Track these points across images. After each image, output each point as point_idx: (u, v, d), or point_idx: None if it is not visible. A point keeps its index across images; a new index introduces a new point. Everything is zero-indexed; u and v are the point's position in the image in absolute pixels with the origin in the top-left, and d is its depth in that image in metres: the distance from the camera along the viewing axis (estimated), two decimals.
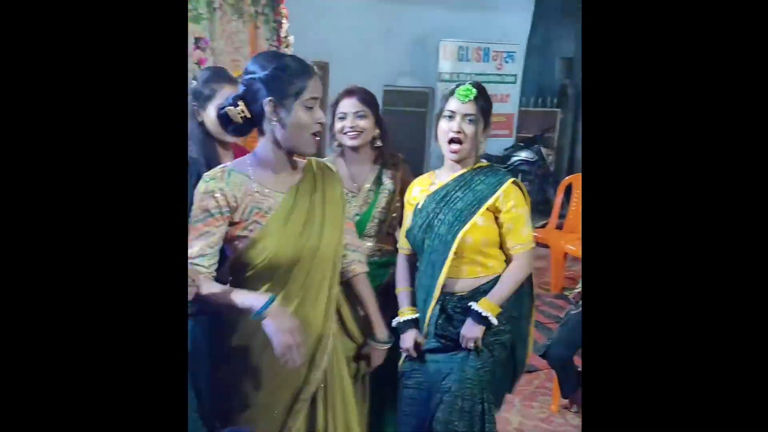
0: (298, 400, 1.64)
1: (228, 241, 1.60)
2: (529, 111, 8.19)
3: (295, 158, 1.66)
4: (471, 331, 2.01)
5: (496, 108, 2.40)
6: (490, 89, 2.16)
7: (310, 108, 1.55)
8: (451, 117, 2.01)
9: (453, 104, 2.02)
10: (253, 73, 1.55)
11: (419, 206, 2.11)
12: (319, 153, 1.93)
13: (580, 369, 3.19)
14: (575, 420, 3.22)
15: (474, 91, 2.00)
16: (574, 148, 8.49)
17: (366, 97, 2.22)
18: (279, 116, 1.54)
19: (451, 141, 2.02)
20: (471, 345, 2.02)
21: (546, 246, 4.95)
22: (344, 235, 1.74)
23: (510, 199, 2.02)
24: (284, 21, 4.01)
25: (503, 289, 2.05)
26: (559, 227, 5.16)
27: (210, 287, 1.53)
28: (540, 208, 6.64)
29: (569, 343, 3.00)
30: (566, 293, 4.24)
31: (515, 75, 8.02)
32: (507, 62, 8.00)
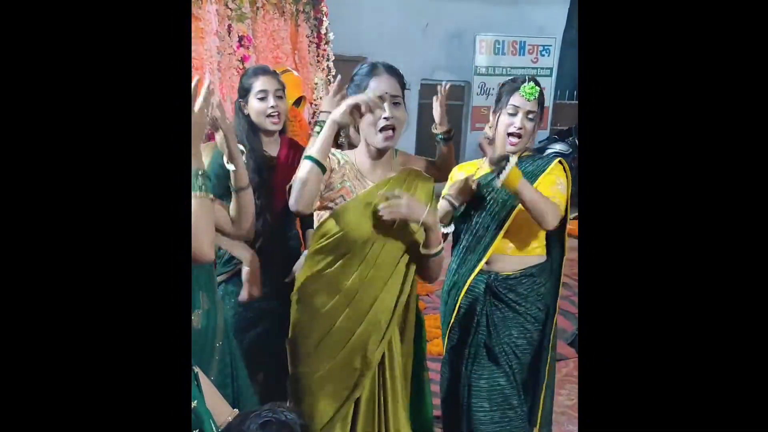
0: (357, 386, 1.74)
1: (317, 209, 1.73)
2: (563, 104, 8.11)
3: (390, 157, 1.75)
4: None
5: None
6: None
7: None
8: (513, 113, 2.04)
9: (517, 100, 2.04)
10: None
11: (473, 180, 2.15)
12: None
13: None
14: None
15: (538, 89, 2.05)
16: None
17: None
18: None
19: (511, 135, 2.06)
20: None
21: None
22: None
23: (552, 172, 2.07)
24: (324, 18, 4.05)
25: (533, 191, 1.97)
26: None
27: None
28: (574, 200, 6.57)
29: None
30: None
31: (550, 68, 7.96)
32: (542, 56, 7.93)
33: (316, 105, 3.88)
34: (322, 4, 4.05)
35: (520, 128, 2.03)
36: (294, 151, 2.13)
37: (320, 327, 1.72)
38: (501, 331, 2.11)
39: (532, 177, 2.05)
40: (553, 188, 2.04)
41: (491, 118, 2.12)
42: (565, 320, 3.84)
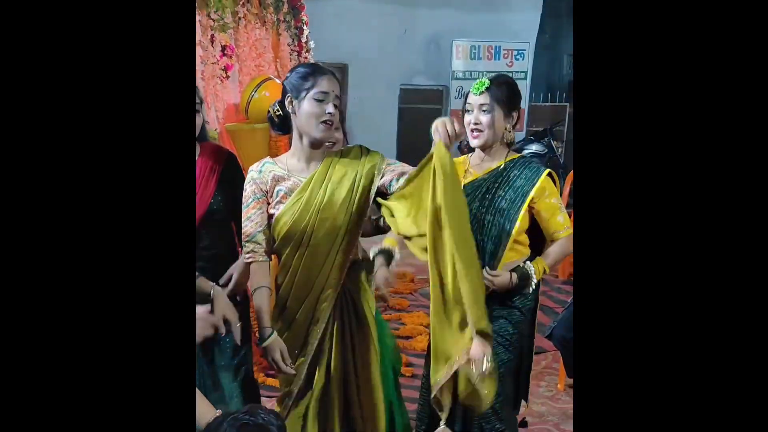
0: (307, 344, 1.87)
1: None
2: (539, 106, 8.17)
3: (323, 149, 1.86)
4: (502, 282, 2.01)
5: None
6: None
7: (320, 101, 1.76)
8: (470, 110, 2.08)
9: (470, 98, 2.09)
10: (286, 79, 1.85)
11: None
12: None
13: None
14: None
15: (486, 82, 2.06)
16: None
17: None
18: (294, 109, 1.80)
19: (472, 131, 2.08)
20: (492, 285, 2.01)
21: None
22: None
23: (545, 190, 2.09)
24: (305, 27, 4.07)
25: (553, 258, 2.11)
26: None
27: (256, 276, 1.84)
28: None
29: (571, 325, 3.04)
30: (573, 279, 4.26)
31: (525, 71, 8.01)
32: (517, 59, 7.98)
33: None
34: (303, 13, 4.06)
35: (476, 123, 2.05)
36: (212, 159, 2.05)
37: (280, 301, 1.88)
38: (495, 325, 2.12)
39: (523, 193, 2.06)
40: (560, 216, 2.10)
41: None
42: (543, 315, 3.88)
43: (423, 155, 1.90)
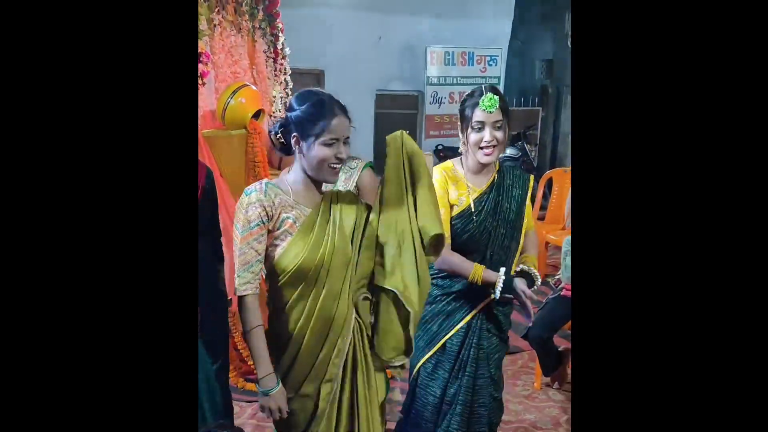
0: (324, 380, 1.73)
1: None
2: (512, 110, 8.24)
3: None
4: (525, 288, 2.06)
5: None
6: None
7: (330, 145, 1.63)
8: (481, 128, 2.01)
9: (481, 116, 2.01)
10: (292, 110, 1.67)
11: (472, 211, 2.08)
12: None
13: (560, 349, 3.26)
14: (557, 396, 3.29)
15: (496, 99, 2.01)
16: (555, 144, 8.58)
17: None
18: (301, 150, 1.65)
19: (483, 148, 2.03)
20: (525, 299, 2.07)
21: None
22: None
23: (528, 194, 2.19)
24: (280, 34, 4.04)
25: (534, 251, 2.24)
26: (541, 218, 5.21)
27: (250, 312, 1.66)
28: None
29: (547, 325, 3.09)
30: (548, 279, 4.30)
31: (498, 77, 8.09)
32: (490, 65, 8.06)
33: (274, 117, 3.87)
34: (278, 20, 4.04)
35: (490, 141, 2.01)
36: None
37: (292, 347, 1.71)
38: (497, 321, 2.21)
39: (522, 202, 2.12)
40: (530, 213, 2.21)
41: (460, 135, 2.10)
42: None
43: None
